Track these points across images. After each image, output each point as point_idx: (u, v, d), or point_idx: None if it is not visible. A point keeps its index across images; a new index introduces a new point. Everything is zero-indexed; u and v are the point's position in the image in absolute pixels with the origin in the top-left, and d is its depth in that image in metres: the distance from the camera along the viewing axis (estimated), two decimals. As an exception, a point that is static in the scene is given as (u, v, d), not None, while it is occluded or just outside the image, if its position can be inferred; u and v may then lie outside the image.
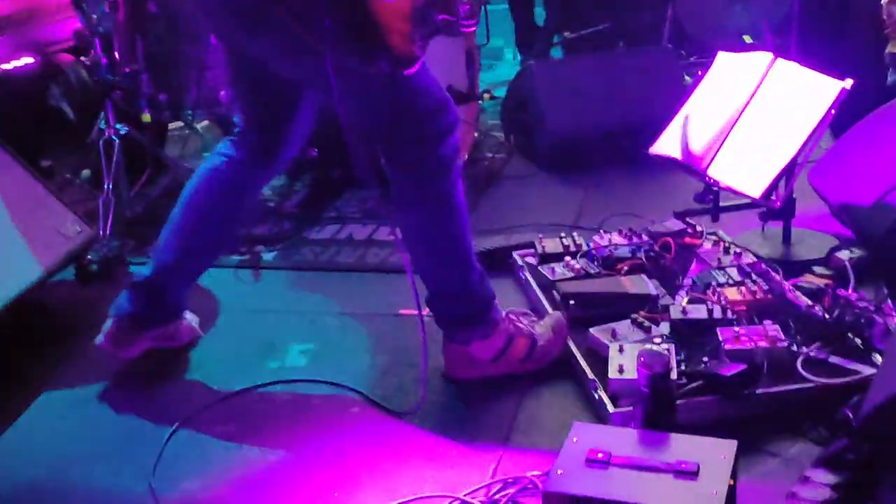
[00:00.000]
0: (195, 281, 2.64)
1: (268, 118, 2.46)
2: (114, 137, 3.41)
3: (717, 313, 2.45)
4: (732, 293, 2.56)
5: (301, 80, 2.35)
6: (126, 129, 3.46)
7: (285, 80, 2.35)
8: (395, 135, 2.26)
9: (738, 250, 2.90)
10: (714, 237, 3.05)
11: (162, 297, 2.55)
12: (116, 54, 3.60)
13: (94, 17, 3.32)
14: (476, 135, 4.32)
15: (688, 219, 3.08)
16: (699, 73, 3.13)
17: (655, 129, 3.13)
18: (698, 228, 3.05)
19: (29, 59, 4.29)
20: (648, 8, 5.20)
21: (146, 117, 3.50)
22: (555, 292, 2.71)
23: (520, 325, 2.47)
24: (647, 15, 5.24)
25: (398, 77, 2.11)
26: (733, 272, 2.73)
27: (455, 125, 2.31)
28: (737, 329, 2.34)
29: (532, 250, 3.05)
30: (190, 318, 2.70)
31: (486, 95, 4.33)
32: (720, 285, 2.64)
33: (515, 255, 3.07)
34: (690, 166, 2.96)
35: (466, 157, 4.15)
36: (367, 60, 2.05)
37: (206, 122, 4.32)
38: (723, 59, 3.12)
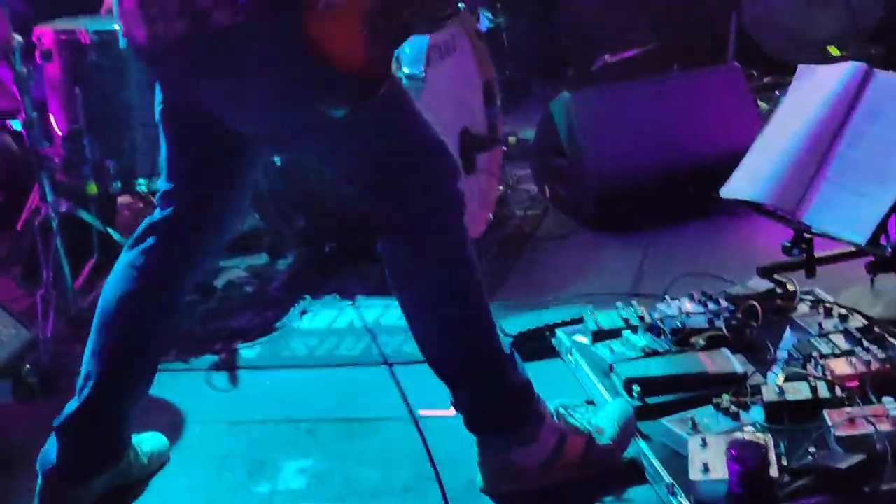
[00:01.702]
0: (133, 407, 2.58)
1: (204, 175, 2.48)
2: (51, 217, 3.45)
3: (823, 392, 2.44)
4: (840, 366, 2.56)
5: (261, 135, 2.41)
6: (66, 205, 3.50)
7: (234, 133, 2.39)
8: (380, 190, 2.31)
9: (843, 312, 2.90)
10: (811, 297, 3.05)
11: (95, 437, 2.51)
12: (51, 114, 3.67)
13: (24, 70, 3.39)
14: (502, 188, 4.37)
15: (776, 276, 3.08)
16: (776, 95, 3.16)
17: (726, 167, 3.16)
18: (790, 288, 3.05)
19: (-58, 131, 4.38)
20: (707, 20, 5.28)
21: (92, 188, 3.55)
22: (614, 377, 2.71)
23: (573, 421, 2.46)
24: (705, 28, 5.32)
25: (369, 109, 2.14)
26: (839, 339, 2.73)
27: (456, 170, 2.36)
28: (849, 410, 2.34)
29: (582, 326, 3.05)
30: (149, 447, 2.70)
31: (511, 139, 4.38)
32: (824, 357, 2.63)
33: (561, 333, 3.07)
34: (775, 210, 2.97)
35: (491, 216, 4.19)
36: (316, 98, 2.10)
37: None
38: (805, 74, 3.16)
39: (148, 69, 2.49)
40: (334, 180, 2.45)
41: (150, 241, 2.49)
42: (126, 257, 2.52)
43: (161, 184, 2.52)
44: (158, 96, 2.45)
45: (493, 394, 2.42)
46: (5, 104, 4.36)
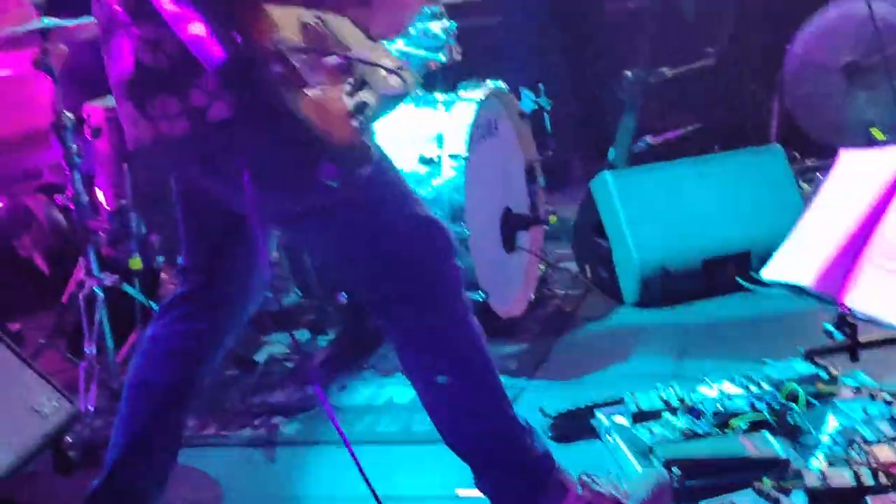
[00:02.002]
0: (160, 481, 2.59)
1: (217, 254, 2.54)
2: (96, 290, 3.50)
3: (867, 478, 2.42)
4: (884, 452, 2.54)
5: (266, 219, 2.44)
6: (111, 279, 3.56)
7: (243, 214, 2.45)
8: (373, 270, 2.37)
9: (887, 397, 2.88)
10: (855, 382, 3.03)
11: None
12: (98, 189, 3.75)
13: (74, 146, 3.47)
14: (542, 267, 4.38)
15: (818, 359, 3.07)
16: (819, 177, 3.17)
17: (769, 249, 3.16)
18: (833, 372, 3.03)
19: (-8, 203, 4.49)
20: (749, 102, 5.31)
21: (136, 262, 3.60)
22: (654, 459, 2.70)
23: (598, 488, 2.46)
24: (748, 110, 5.35)
25: (356, 184, 2.19)
26: (884, 425, 2.71)
27: (450, 247, 2.40)
28: (894, 498, 2.31)
29: (622, 407, 3.04)
30: None
31: (552, 218, 4.41)
32: (868, 442, 2.61)
33: (600, 414, 3.07)
34: (817, 293, 2.97)
35: (532, 295, 4.20)
36: (314, 172, 2.15)
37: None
38: (847, 158, 3.18)
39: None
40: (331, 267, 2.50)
41: (172, 315, 2.55)
42: (150, 331, 2.58)
43: (180, 260, 2.59)
44: (172, 179, 2.55)
45: (513, 469, 2.43)
46: (55, 178, 4.46)
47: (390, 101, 2.27)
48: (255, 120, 2.12)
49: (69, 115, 3.49)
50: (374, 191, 2.29)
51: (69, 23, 3.50)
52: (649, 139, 5.16)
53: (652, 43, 4.89)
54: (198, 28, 2.07)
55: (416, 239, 2.37)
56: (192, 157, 2.28)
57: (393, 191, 2.37)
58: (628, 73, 4.85)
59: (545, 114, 4.69)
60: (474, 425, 2.44)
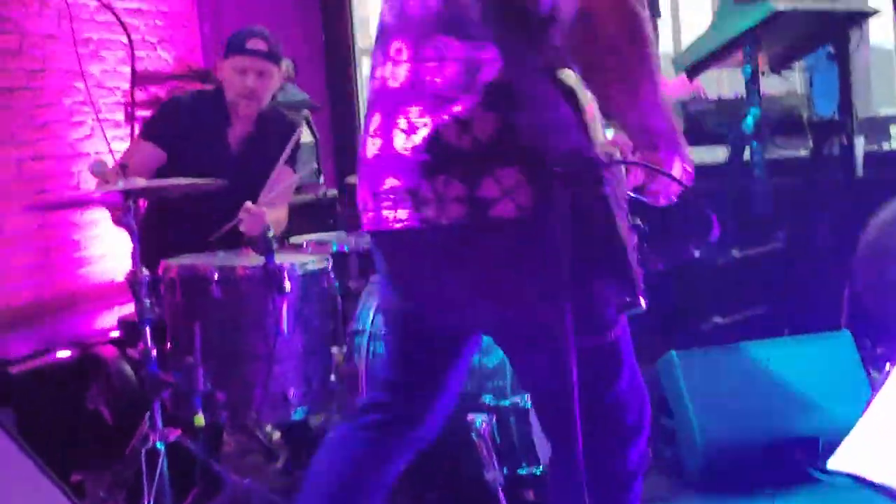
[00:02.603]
0: None
1: (423, 380, 2.48)
2: (158, 445, 3.53)
3: None
4: None
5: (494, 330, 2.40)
6: (174, 435, 3.59)
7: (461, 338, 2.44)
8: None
9: None
10: (924, 580, 2.95)
11: None
12: (168, 343, 3.82)
13: (147, 301, 3.55)
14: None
15: (886, 555, 3.00)
16: (888, 365, 3.15)
17: (836, 436, 3.12)
18: (901, 568, 2.96)
19: (65, 353, 4.58)
20: (819, 285, 5.30)
21: (199, 420, 3.64)
22: None
23: None
24: (817, 294, 5.34)
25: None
26: None
27: (643, 429, 2.42)
28: None
29: None
30: None
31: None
32: None
33: None
34: (883, 486, 2.92)
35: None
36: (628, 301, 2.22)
37: (268, 428, 4.46)
38: (917, 348, 3.16)
39: (388, 259, 2.40)
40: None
41: (355, 426, 2.53)
42: (338, 431, 2.58)
43: (385, 375, 2.54)
44: (391, 294, 2.47)
45: None
46: (127, 332, 4.56)
47: None
48: (537, 225, 2.08)
49: (145, 271, 3.58)
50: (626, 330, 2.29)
51: (147, 183, 3.65)
52: (717, 320, 5.16)
53: (721, 224, 4.93)
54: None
55: (626, 399, 2.36)
56: (449, 247, 2.17)
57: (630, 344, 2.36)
58: (696, 253, 4.88)
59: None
60: None
